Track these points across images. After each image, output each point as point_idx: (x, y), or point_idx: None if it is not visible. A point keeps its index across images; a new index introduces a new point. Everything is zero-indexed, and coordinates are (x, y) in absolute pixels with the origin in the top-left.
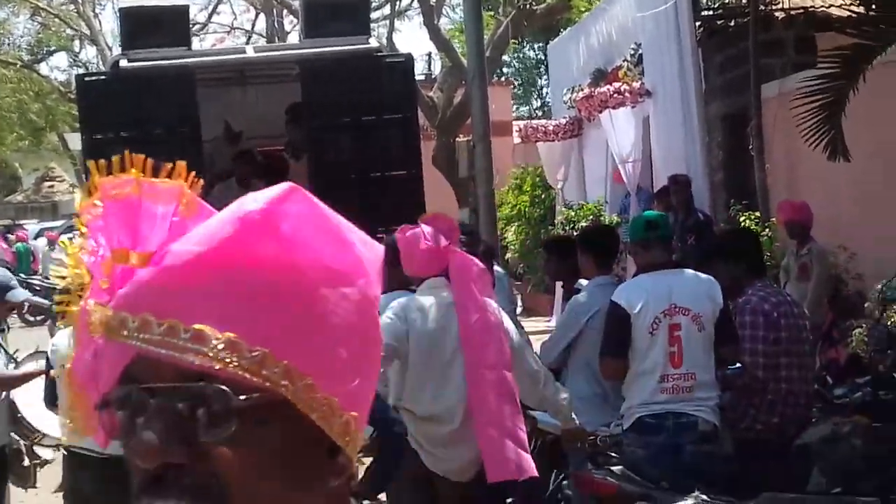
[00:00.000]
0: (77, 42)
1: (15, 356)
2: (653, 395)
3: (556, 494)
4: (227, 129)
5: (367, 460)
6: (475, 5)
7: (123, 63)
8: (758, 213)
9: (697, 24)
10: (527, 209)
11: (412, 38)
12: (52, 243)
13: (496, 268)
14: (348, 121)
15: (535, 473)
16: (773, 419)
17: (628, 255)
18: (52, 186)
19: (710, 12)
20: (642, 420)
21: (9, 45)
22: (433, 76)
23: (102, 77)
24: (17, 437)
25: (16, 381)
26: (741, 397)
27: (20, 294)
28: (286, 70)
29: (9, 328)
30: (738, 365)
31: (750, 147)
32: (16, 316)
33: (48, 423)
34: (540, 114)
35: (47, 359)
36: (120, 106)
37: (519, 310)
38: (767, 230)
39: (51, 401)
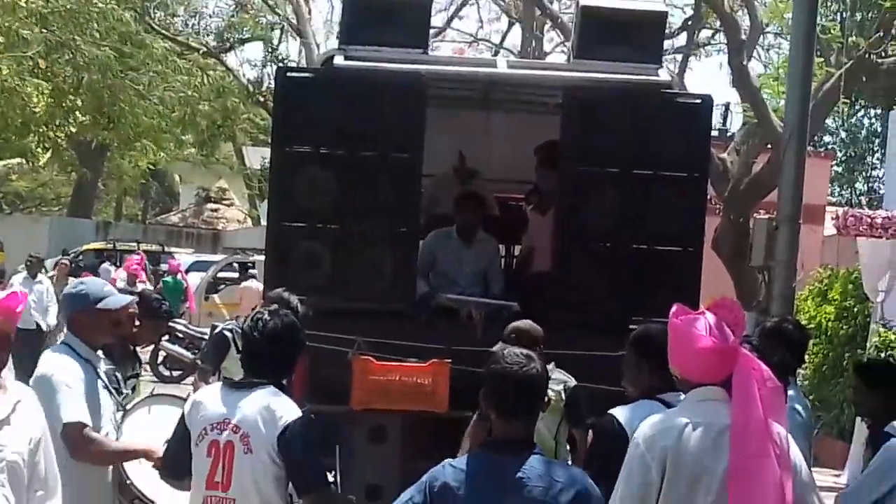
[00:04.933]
0: (277, 32)
1: (125, 403)
2: None
3: None
4: (461, 162)
5: None
6: (807, 44)
7: (339, 60)
8: None
9: None
10: (830, 324)
11: (706, 81)
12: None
13: (793, 391)
14: (616, 172)
15: None
16: None
17: None
18: (216, 210)
19: None
20: None
21: (194, 27)
22: (728, 133)
23: (310, 74)
24: None
25: (115, 457)
26: None
27: (120, 299)
28: (545, 97)
29: (138, 377)
30: None
31: None
32: (147, 367)
33: (162, 491)
34: (864, 200)
35: (182, 419)
36: (326, 114)
37: None
38: None
39: (172, 473)
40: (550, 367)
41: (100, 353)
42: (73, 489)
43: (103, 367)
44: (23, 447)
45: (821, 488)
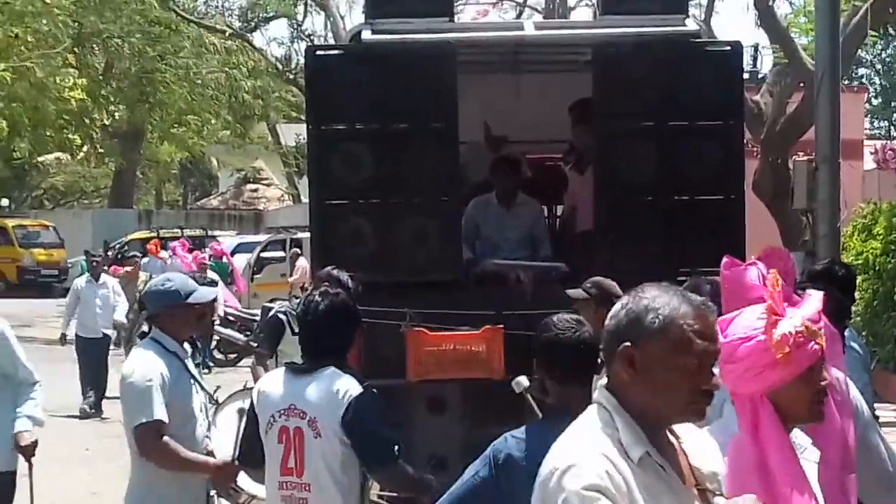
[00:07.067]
0: (301, 7)
1: (216, 397)
2: None
3: None
4: (486, 130)
5: None
6: None
7: (366, 34)
8: None
9: None
10: (878, 259)
11: (733, 26)
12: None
13: (848, 331)
14: (651, 125)
15: None
16: None
17: None
18: (256, 191)
19: None
20: None
21: (217, 9)
22: (760, 75)
23: (338, 51)
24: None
25: (182, 466)
26: None
27: (208, 293)
28: (574, 55)
29: (208, 365)
30: None
31: None
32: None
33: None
34: None
35: (252, 408)
36: (358, 90)
37: None
38: None
39: (244, 459)
40: None
41: (186, 345)
42: (168, 475)
43: (190, 360)
44: None
45: (883, 424)
